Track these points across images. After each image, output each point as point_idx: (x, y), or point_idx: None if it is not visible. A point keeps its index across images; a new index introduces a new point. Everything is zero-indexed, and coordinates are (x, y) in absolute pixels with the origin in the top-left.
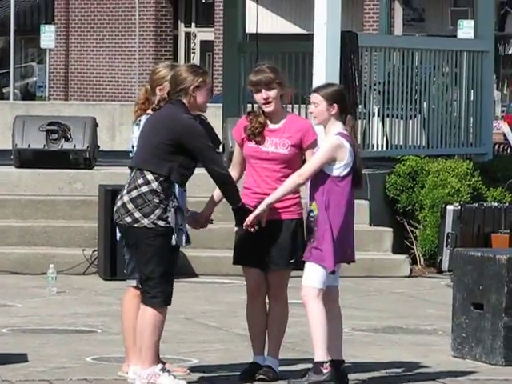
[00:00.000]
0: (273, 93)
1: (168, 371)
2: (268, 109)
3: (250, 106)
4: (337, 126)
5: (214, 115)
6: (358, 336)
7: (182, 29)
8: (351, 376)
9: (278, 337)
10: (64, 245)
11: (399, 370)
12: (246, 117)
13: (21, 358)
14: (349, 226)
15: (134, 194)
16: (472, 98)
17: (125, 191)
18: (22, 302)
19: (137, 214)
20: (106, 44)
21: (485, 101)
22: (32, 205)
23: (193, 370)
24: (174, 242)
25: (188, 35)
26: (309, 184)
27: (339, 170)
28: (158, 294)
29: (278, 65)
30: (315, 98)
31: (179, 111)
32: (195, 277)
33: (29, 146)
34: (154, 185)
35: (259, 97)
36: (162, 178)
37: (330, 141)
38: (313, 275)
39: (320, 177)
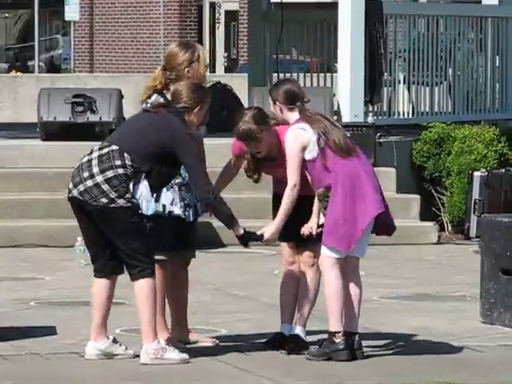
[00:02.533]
0: (261, 144)
1: (170, 345)
2: (260, 156)
3: (275, 75)
4: (290, 118)
5: (239, 85)
6: (386, 304)
7: None
8: (380, 343)
9: (307, 304)
10: None
11: (428, 337)
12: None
13: (49, 330)
14: (353, 200)
15: (110, 174)
16: (497, 64)
17: (96, 169)
18: (50, 275)
19: (112, 195)
20: (130, 15)
21: (510, 66)
22: (59, 177)
23: (222, 340)
24: (181, 215)
25: (213, 5)
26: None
27: (312, 151)
28: (146, 266)
29: (302, 33)
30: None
31: (182, 124)
32: (223, 247)
33: (55, 118)
34: (129, 171)
35: (249, 147)
36: (137, 169)
37: (288, 138)
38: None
39: (310, 166)
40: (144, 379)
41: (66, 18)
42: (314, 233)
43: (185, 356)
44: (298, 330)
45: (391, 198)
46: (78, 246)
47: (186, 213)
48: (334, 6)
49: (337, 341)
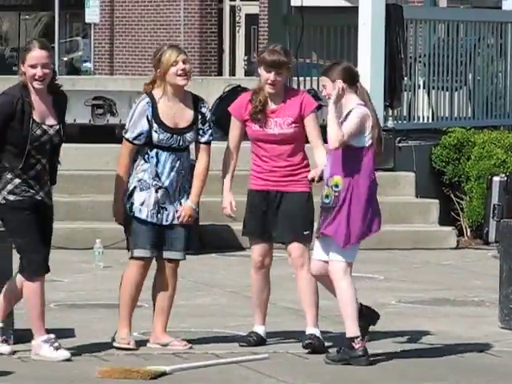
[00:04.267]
0: (281, 77)
1: (51, 342)
2: (271, 90)
3: (295, 79)
4: (352, 99)
5: None
6: (404, 308)
7: (227, 2)
8: (397, 347)
9: (315, 304)
10: (110, 219)
11: (446, 342)
12: (247, 95)
13: (68, 333)
14: (373, 198)
15: None
16: None
17: None
18: (69, 277)
19: None
20: (150, 18)
21: None
22: (78, 180)
23: (239, 343)
24: (147, 219)
25: (233, 9)
26: (328, 160)
27: (364, 140)
28: (24, 265)
29: (323, 38)
30: (322, 80)
31: (6, 91)
32: (242, 250)
33: (74, 120)
34: (5, 161)
35: (267, 77)
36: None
37: (359, 111)
38: (340, 249)
39: (346, 150)
40: (165, 383)
41: (87, 21)
42: (317, 178)
43: (60, 353)
44: (313, 331)
45: (410, 203)
46: (96, 249)
47: (159, 215)
48: (355, 10)
49: (356, 347)
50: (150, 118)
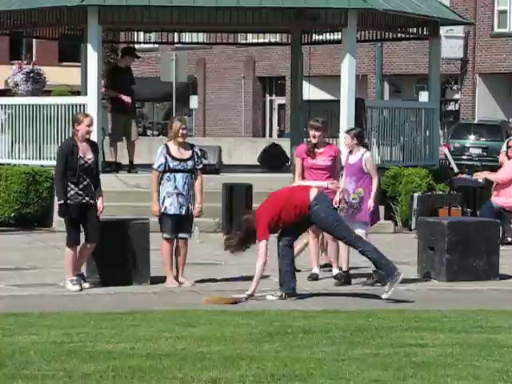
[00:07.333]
0: (318, 133)
1: (76, 281)
2: (314, 141)
3: (305, 140)
4: (361, 149)
5: (286, 146)
6: (364, 265)
7: (268, 97)
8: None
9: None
10: (205, 216)
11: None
12: (305, 144)
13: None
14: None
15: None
16: (427, 134)
17: None
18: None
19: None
20: (225, 105)
21: (434, 136)
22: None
23: (270, 284)
24: (175, 212)
25: (271, 101)
26: (348, 179)
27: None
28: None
29: (321, 117)
30: (346, 137)
31: (65, 140)
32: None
33: None
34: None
35: (311, 134)
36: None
37: (371, 157)
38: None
39: (362, 173)
40: (236, 308)
41: (191, 107)
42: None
43: (76, 287)
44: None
45: None
46: (196, 232)
47: (180, 209)
48: (338, 102)
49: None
50: (165, 155)
